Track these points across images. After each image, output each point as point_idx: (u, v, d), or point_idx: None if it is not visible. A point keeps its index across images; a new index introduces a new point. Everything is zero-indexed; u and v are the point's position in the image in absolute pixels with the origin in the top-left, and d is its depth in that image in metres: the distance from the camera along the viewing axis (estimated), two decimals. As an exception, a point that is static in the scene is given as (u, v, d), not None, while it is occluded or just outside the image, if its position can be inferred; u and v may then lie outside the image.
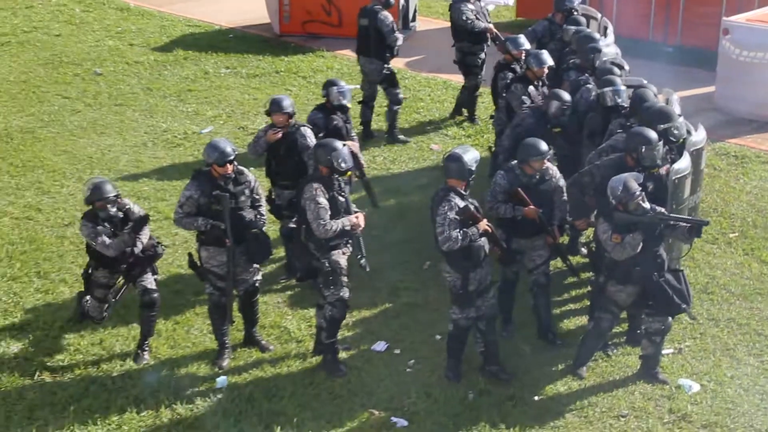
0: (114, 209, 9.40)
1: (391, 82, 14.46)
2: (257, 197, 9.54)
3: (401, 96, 14.64)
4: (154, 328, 9.83)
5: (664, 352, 9.65)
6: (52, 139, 14.95)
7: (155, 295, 9.66)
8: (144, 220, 9.54)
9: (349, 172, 9.32)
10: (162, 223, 12.27)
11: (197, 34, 20.06)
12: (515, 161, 9.60)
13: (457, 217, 8.73)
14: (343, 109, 11.33)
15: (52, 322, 10.28)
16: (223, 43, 19.46)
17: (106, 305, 9.83)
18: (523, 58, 12.39)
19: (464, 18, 14.45)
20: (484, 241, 8.93)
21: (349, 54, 18.43)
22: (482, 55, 14.77)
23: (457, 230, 8.71)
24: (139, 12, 21.56)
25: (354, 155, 10.64)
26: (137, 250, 9.48)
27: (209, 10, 21.54)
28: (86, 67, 18.08)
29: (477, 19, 14.53)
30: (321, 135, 10.66)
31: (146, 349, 9.74)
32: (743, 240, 11.89)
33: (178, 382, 9.37)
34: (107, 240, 9.31)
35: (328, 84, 11.31)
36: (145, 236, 9.61)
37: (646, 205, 8.77)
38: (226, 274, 9.40)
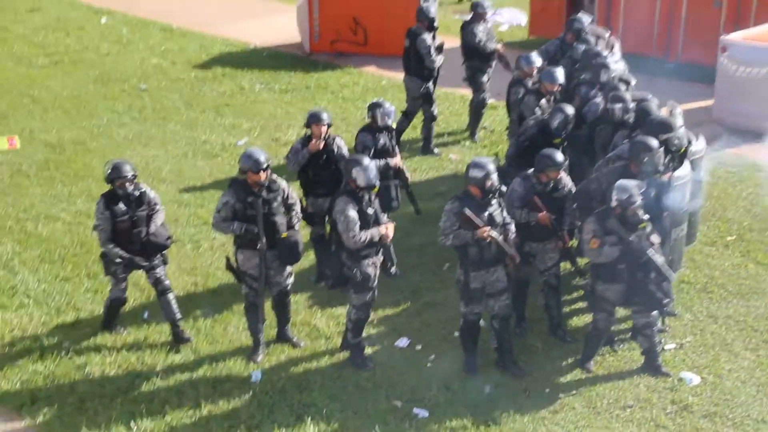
0: (131, 188, 9.52)
1: (427, 99, 14.43)
2: (291, 202, 9.53)
3: (436, 113, 14.61)
4: (177, 310, 9.83)
5: (666, 347, 9.62)
6: (101, 150, 15.01)
7: (167, 282, 9.77)
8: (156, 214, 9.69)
9: (376, 188, 9.11)
10: (201, 228, 12.32)
11: (234, 53, 20.10)
12: (531, 170, 9.58)
13: (454, 218, 8.77)
14: (389, 129, 11.13)
15: (101, 320, 10.31)
16: (258, 60, 19.47)
17: (123, 283, 9.84)
18: (535, 73, 12.39)
19: (477, 40, 14.47)
20: (490, 249, 8.85)
21: (373, 70, 18.46)
22: (489, 72, 14.78)
23: (451, 229, 8.75)
24: (180, 33, 21.63)
25: (399, 170, 10.85)
26: (152, 230, 9.57)
27: (245, 30, 21.58)
28: (132, 83, 18.15)
29: (488, 40, 14.56)
30: (371, 154, 10.51)
31: (180, 334, 9.84)
32: (740, 243, 11.81)
33: (217, 376, 9.41)
34: (107, 233, 9.45)
35: (374, 106, 11.01)
36: (159, 219, 9.69)
37: (641, 213, 8.76)
38: (258, 275, 9.42)
